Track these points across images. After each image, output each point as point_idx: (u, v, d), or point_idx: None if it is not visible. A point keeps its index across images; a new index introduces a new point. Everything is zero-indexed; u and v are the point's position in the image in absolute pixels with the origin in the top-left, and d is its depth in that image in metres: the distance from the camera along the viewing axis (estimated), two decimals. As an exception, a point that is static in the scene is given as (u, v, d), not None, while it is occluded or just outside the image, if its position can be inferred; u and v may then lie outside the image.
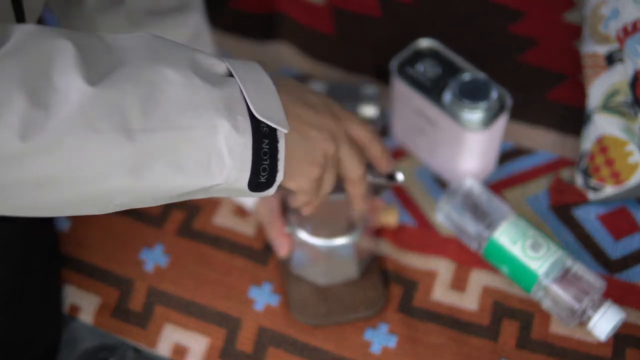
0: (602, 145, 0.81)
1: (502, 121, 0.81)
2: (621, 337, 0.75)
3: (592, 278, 0.75)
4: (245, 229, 0.85)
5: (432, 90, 0.81)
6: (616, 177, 0.81)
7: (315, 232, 0.77)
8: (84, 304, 0.82)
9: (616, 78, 0.83)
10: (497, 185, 0.87)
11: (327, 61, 0.99)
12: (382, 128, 0.92)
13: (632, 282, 0.78)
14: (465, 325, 0.77)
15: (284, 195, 0.80)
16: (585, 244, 0.81)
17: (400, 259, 0.82)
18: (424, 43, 0.85)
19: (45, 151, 0.47)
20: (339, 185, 0.69)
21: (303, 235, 0.78)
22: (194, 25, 0.84)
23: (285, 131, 0.55)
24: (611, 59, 0.84)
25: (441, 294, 0.80)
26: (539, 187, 0.86)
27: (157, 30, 0.78)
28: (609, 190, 0.81)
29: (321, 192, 0.65)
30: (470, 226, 0.80)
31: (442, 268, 0.81)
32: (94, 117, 0.48)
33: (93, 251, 0.85)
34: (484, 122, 0.79)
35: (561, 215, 0.84)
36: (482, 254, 0.80)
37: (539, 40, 0.96)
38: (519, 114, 0.90)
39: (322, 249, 0.78)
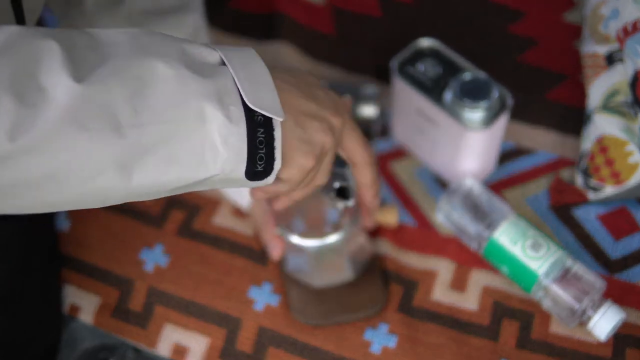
0: (602, 145, 0.81)
1: (502, 121, 0.81)
2: (621, 337, 0.75)
3: (592, 278, 0.75)
4: (245, 229, 0.85)
5: (432, 90, 0.81)
6: (616, 177, 0.81)
7: (302, 233, 0.76)
8: (84, 304, 0.82)
9: (616, 78, 0.83)
10: (497, 185, 0.87)
11: (327, 61, 0.99)
12: (382, 128, 0.92)
13: (632, 282, 0.78)
14: (465, 325, 0.77)
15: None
16: (585, 244, 0.81)
17: (400, 258, 0.82)
18: (425, 43, 0.85)
19: (35, 150, 0.47)
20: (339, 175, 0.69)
21: (290, 236, 0.77)
22: (193, 26, 0.84)
23: (280, 119, 0.55)
24: (611, 59, 0.84)
25: (441, 294, 0.80)
26: (539, 187, 0.86)
27: (156, 30, 0.78)
28: (609, 190, 0.81)
29: (306, 188, 0.64)
30: (470, 226, 0.80)
31: (442, 268, 0.81)
32: (82, 115, 0.48)
33: (93, 251, 0.85)
34: (485, 122, 0.79)
35: (561, 215, 0.84)
36: (482, 254, 0.80)
37: (539, 40, 0.96)
38: (519, 114, 0.90)
39: (310, 249, 0.77)
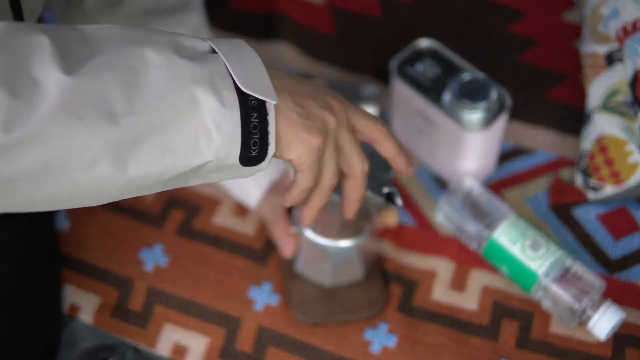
0: (602, 145, 0.81)
1: (502, 121, 0.81)
2: (621, 337, 0.75)
3: (592, 278, 0.75)
4: (245, 229, 0.85)
5: (432, 91, 0.81)
6: (616, 177, 0.81)
7: (322, 233, 0.76)
8: (84, 304, 0.82)
9: (616, 78, 0.83)
10: (497, 185, 0.87)
11: (327, 61, 0.99)
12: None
13: (632, 282, 0.78)
14: (465, 325, 0.77)
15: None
16: (585, 244, 0.81)
17: (400, 259, 0.82)
18: (424, 43, 0.85)
19: (31, 142, 0.47)
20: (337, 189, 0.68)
21: (310, 235, 0.76)
22: (193, 25, 0.84)
23: (274, 102, 0.54)
24: (611, 59, 0.84)
25: (441, 294, 0.80)
26: (539, 187, 0.86)
27: None
28: (609, 190, 0.81)
29: (322, 183, 0.61)
30: (470, 226, 0.80)
31: (442, 268, 0.81)
32: (76, 106, 0.48)
33: (93, 251, 0.85)
34: (484, 123, 0.79)
35: (561, 215, 0.84)
36: (482, 254, 0.80)
37: (539, 40, 0.96)
38: (519, 114, 0.90)
39: (329, 250, 0.76)
